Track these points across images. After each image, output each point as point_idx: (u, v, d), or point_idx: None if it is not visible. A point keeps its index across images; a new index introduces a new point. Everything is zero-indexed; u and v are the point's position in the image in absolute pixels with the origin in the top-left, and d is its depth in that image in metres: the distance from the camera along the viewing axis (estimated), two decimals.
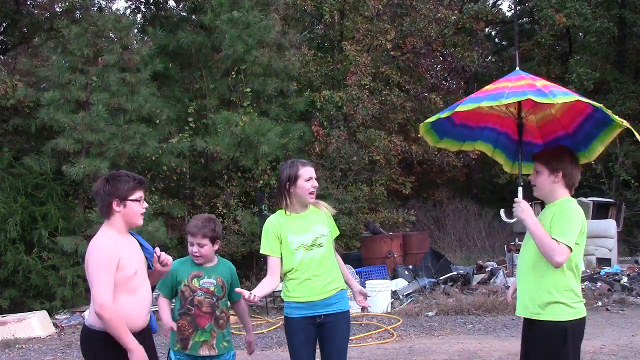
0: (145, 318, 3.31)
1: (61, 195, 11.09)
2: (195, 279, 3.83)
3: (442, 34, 17.04)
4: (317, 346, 3.90)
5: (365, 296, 4.03)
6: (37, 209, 10.77)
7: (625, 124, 3.21)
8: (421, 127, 3.72)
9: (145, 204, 3.30)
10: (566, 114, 3.53)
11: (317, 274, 3.77)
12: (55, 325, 9.48)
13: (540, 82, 3.31)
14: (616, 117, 3.20)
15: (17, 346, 8.35)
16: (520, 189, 3.45)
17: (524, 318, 3.47)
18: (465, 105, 3.30)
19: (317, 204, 3.94)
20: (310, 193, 3.84)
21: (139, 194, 3.25)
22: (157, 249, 3.42)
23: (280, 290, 4.00)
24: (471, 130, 3.80)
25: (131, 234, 3.35)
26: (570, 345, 3.30)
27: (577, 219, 3.29)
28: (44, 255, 10.48)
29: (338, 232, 4.03)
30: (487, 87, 3.49)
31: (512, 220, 3.47)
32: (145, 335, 3.29)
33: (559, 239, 3.21)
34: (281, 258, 3.81)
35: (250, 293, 3.52)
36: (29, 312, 9.62)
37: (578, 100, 3.13)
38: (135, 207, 3.24)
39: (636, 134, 3.15)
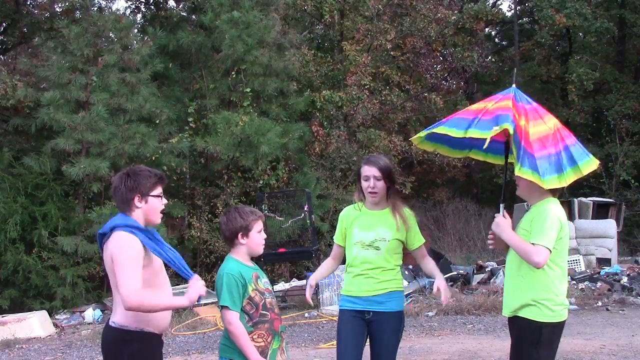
0: (169, 319, 3.21)
1: (61, 195, 11.09)
2: (258, 280, 3.37)
3: (442, 34, 17.02)
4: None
5: (441, 291, 3.82)
6: (37, 209, 10.76)
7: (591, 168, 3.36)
8: (415, 140, 3.75)
9: (165, 200, 3.19)
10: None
11: (369, 273, 3.78)
12: (55, 325, 9.48)
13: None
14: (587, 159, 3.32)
15: (17, 346, 8.34)
16: (502, 205, 3.53)
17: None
18: (450, 130, 3.34)
19: (395, 210, 3.79)
20: (370, 193, 3.74)
21: (159, 189, 3.14)
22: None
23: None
24: (468, 140, 3.68)
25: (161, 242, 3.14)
26: (544, 347, 3.32)
27: (554, 220, 3.30)
28: (43, 255, 10.46)
29: (423, 240, 3.96)
30: (477, 105, 3.50)
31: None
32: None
33: (534, 241, 3.27)
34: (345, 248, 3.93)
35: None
36: (29, 312, 9.62)
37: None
38: (156, 204, 3.12)
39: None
